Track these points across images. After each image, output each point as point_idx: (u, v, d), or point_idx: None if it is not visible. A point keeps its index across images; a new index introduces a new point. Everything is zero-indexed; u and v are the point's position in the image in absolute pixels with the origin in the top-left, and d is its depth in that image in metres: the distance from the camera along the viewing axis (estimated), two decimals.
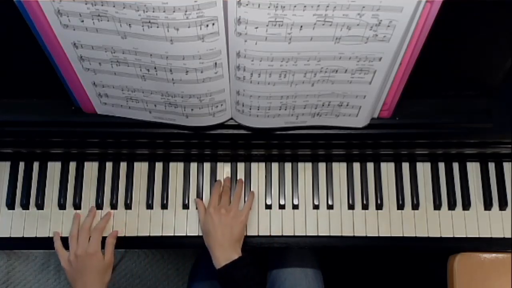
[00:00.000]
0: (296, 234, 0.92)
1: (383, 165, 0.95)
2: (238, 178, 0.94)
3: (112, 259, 0.87)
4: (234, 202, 0.89)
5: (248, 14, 0.60)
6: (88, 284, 0.83)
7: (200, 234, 0.91)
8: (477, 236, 0.92)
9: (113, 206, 0.93)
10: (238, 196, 0.90)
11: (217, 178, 0.95)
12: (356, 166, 0.95)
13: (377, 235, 0.92)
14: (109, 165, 0.95)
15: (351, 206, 0.93)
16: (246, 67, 0.68)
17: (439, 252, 0.94)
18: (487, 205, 0.93)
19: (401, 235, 0.92)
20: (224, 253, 0.82)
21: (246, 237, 0.91)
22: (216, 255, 0.83)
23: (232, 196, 0.91)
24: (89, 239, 0.87)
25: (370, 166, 0.95)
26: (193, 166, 0.95)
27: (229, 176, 0.94)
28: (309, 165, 0.96)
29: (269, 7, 0.59)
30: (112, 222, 0.92)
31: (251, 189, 0.94)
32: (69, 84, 0.76)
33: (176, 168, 0.95)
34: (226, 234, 0.84)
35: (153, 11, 0.60)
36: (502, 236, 0.92)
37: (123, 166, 0.95)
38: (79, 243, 0.86)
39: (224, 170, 0.95)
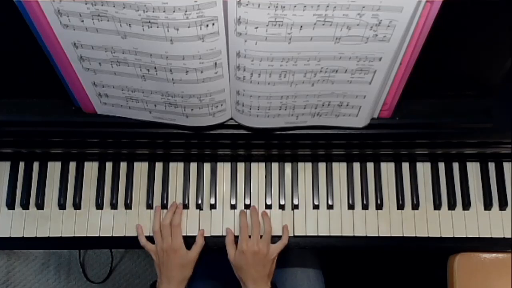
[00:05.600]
0: (296, 234, 0.92)
1: (383, 165, 0.95)
2: (238, 183, 0.94)
3: (196, 257, 0.89)
4: (265, 240, 0.88)
5: (248, 14, 0.60)
6: (171, 277, 0.87)
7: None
8: (477, 236, 0.92)
9: (113, 206, 0.93)
10: (269, 233, 0.90)
11: (217, 178, 0.95)
12: (356, 166, 0.95)
13: (377, 235, 0.92)
14: (109, 165, 0.95)
15: (351, 206, 0.93)
16: (246, 67, 0.68)
17: (439, 252, 0.94)
18: (487, 205, 0.93)
19: (401, 235, 0.92)
20: (257, 287, 0.86)
21: None
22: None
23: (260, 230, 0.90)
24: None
25: (370, 166, 0.95)
26: (193, 166, 0.95)
27: (256, 208, 0.93)
28: (309, 165, 0.96)
29: (269, 7, 0.59)
30: (111, 222, 0.92)
31: (251, 189, 0.94)
32: (69, 84, 0.76)
33: (176, 168, 0.95)
34: (260, 271, 0.87)
35: (153, 11, 0.60)
36: (502, 236, 0.92)
37: (123, 166, 0.95)
38: (163, 238, 0.89)
39: (224, 170, 0.95)
